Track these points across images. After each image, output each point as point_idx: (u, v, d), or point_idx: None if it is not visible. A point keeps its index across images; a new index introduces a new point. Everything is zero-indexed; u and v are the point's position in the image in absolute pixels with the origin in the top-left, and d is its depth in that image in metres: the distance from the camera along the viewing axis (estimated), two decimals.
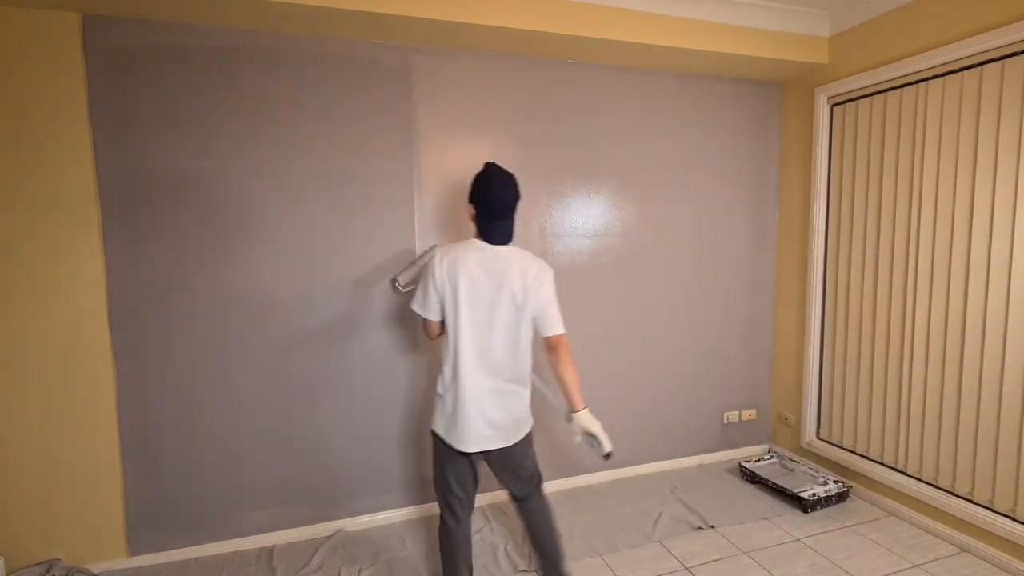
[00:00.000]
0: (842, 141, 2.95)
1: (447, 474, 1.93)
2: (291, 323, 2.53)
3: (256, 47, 2.39)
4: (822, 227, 3.09)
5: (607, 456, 1.97)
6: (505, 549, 2.47)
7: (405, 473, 2.76)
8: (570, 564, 2.36)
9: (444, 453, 1.91)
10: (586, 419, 1.95)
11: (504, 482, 2.00)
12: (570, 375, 1.92)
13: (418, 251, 2.66)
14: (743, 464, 3.16)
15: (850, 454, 2.97)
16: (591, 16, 2.52)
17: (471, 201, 1.88)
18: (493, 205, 1.83)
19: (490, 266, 1.83)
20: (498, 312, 1.83)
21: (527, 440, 1.98)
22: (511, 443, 1.90)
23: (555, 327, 1.89)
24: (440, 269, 1.84)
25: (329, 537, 2.58)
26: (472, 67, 2.69)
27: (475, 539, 2.55)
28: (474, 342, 1.84)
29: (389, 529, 2.65)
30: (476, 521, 2.70)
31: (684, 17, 2.68)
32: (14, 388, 2.21)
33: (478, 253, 1.84)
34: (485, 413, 1.85)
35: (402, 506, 2.77)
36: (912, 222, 2.60)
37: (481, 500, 2.88)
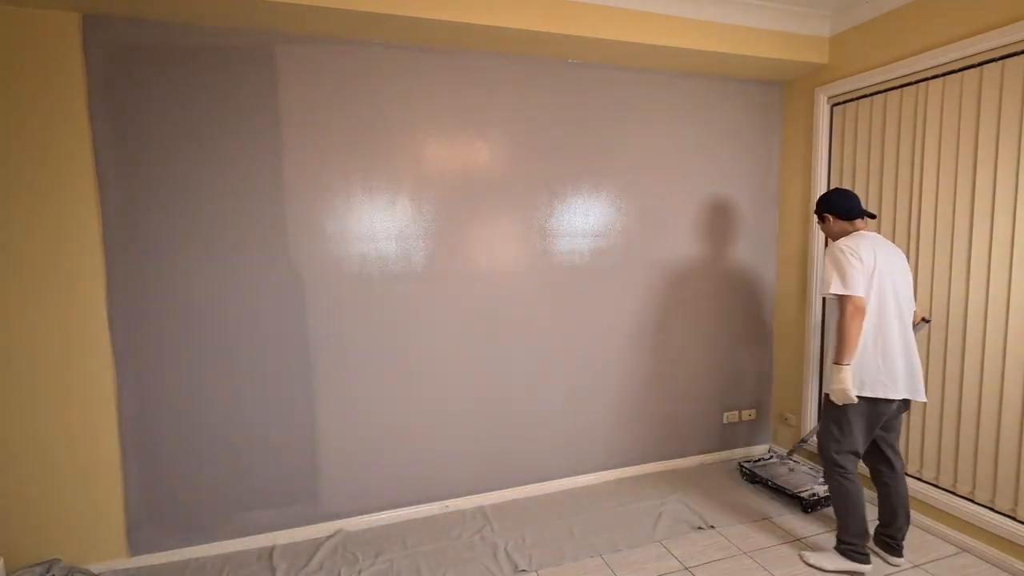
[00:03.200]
0: (842, 141, 2.95)
1: None
2: (290, 320, 2.52)
3: (257, 47, 2.38)
4: None
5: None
6: (505, 549, 2.47)
7: (405, 472, 2.77)
8: (570, 564, 2.37)
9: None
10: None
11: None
12: None
13: None
14: (743, 464, 3.15)
15: None
16: (591, 16, 2.52)
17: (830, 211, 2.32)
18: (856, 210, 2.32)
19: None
20: None
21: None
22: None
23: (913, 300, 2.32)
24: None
25: (329, 537, 2.58)
26: (471, 67, 2.69)
27: (475, 539, 2.55)
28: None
29: (389, 529, 2.65)
30: (476, 520, 2.71)
31: (684, 17, 2.68)
32: (14, 388, 2.21)
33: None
34: None
35: (401, 506, 2.77)
36: (912, 222, 2.60)
37: (480, 500, 2.89)
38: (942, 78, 2.44)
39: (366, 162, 2.57)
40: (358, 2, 2.19)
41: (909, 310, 2.22)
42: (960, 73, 2.37)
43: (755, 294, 3.40)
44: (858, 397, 2.15)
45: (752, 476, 3.07)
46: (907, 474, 2.68)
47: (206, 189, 2.37)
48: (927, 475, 2.60)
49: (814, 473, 3.03)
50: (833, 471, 2.26)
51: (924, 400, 2.23)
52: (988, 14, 2.26)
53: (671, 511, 2.78)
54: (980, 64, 2.30)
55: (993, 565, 2.32)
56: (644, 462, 3.24)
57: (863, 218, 2.29)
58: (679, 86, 3.08)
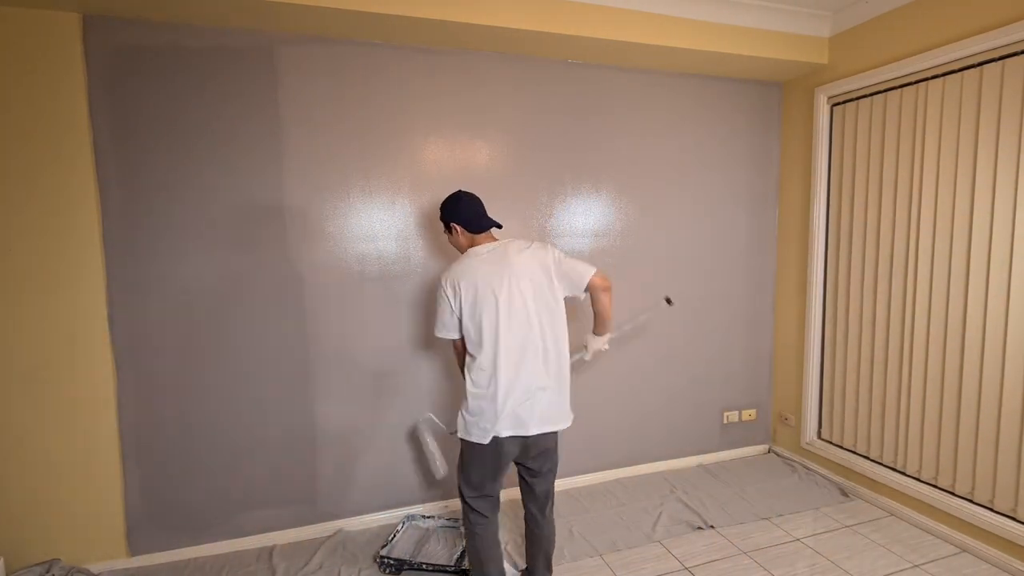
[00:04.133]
0: (842, 141, 2.95)
1: None
2: (289, 322, 2.53)
3: (257, 48, 2.38)
4: (822, 227, 3.09)
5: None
6: (505, 549, 2.46)
7: (405, 472, 2.77)
8: (570, 564, 2.37)
9: None
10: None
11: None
12: None
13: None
14: (384, 557, 2.31)
15: (850, 454, 2.97)
16: (591, 16, 2.52)
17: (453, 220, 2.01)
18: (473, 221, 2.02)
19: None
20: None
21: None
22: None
23: (586, 273, 2.04)
24: None
25: (329, 537, 2.58)
26: (471, 67, 2.69)
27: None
28: None
29: (389, 529, 2.65)
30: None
31: (684, 17, 2.68)
32: (14, 388, 2.21)
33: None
34: None
35: (400, 506, 2.77)
36: (912, 222, 2.60)
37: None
38: (942, 78, 2.44)
39: (366, 162, 2.57)
40: (358, 2, 2.19)
41: (549, 326, 1.92)
42: (960, 73, 2.37)
43: (755, 294, 3.40)
44: (461, 439, 1.94)
45: (398, 566, 2.31)
46: (907, 474, 2.69)
47: (207, 189, 2.37)
48: (927, 475, 2.60)
49: (453, 523, 2.62)
50: (464, 516, 2.01)
51: (558, 429, 1.99)
52: (988, 14, 2.26)
53: (671, 511, 2.78)
54: (980, 64, 2.30)
55: (993, 565, 2.32)
56: (644, 462, 3.24)
57: (489, 230, 2.02)
58: (679, 86, 3.08)
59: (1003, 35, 2.19)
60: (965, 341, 2.41)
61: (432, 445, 2.42)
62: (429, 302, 2.72)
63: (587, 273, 1.96)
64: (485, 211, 2.02)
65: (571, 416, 2.02)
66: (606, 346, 2.24)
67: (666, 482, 3.11)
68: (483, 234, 2.01)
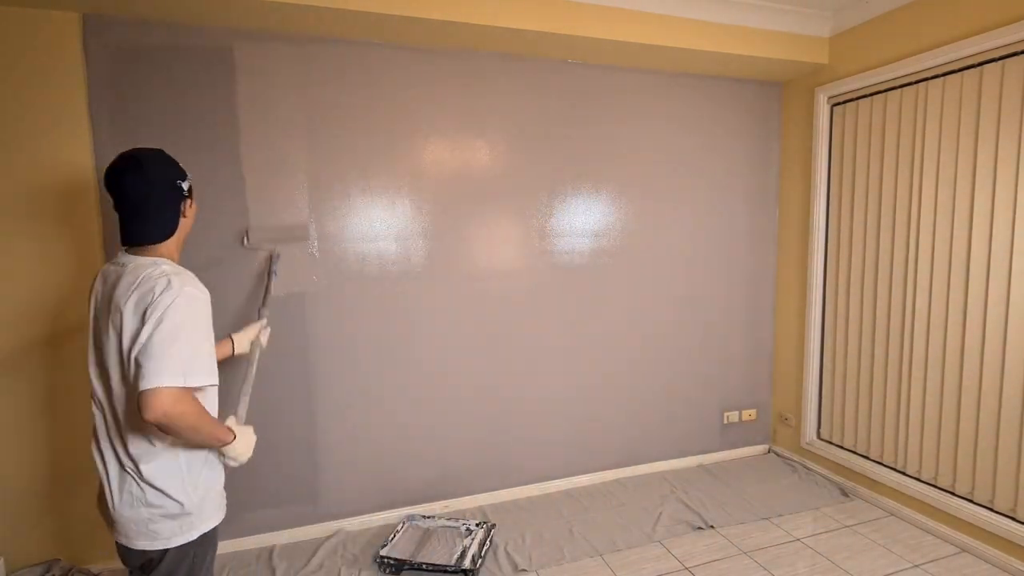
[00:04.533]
0: (842, 141, 2.96)
1: None
2: (290, 321, 2.52)
3: (257, 48, 2.38)
4: (822, 227, 3.09)
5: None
6: (505, 549, 2.47)
7: (405, 472, 2.77)
8: (570, 564, 2.37)
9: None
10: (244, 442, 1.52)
11: None
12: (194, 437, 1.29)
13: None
14: (384, 557, 2.32)
15: (850, 454, 2.97)
16: (591, 16, 2.52)
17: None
18: (111, 194, 1.34)
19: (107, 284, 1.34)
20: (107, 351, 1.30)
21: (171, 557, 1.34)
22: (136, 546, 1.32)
23: (154, 376, 1.18)
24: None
25: (329, 537, 2.58)
26: (471, 67, 2.69)
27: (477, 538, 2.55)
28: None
29: (389, 529, 2.65)
30: (476, 519, 2.70)
31: (684, 17, 2.68)
32: (14, 388, 2.21)
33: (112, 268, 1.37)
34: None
35: (400, 506, 2.77)
36: (912, 222, 2.60)
37: (481, 500, 2.89)
38: (942, 78, 2.44)
39: (366, 162, 2.57)
40: (358, 2, 2.19)
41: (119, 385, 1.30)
42: (960, 73, 2.37)
43: (755, 294, 3.40)
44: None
45: (398, 566, 2.31)
46: (907, 474, 2.69)
47: (207, 189, 2.37)
48: (927, 475, 2.60)
49: (454, 523, 2.60)
50: None
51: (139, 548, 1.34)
52: (988, 14, 2.26)
53: (671, 511, 2.78)
54: (980, 64, 2.30)
55: (993, 565, 2.32)
56: (644, 462, 3.24)
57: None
58: (679, 86, 3.08)
59: (1003, 35, 2.19)
60: (965, 341, 2.41)
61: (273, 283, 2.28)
62: (432, 305, 2.72)
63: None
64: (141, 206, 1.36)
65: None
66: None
67: (666, 482, 3.11)
68: None
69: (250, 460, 2.54)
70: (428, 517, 2.64)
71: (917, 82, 2.54)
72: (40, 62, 2.14)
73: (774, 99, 3.31)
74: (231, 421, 1.55)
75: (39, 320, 2.22)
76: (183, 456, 1.36)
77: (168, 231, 1.39)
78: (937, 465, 2.55)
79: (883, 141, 2.72)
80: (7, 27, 2.10)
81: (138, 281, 1.26)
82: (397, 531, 2.51)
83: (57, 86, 2.17)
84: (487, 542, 2.45)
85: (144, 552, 1.34)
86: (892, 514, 2.73)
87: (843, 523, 2.67)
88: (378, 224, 2.62)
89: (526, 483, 2.99)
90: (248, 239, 2.39)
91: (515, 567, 2.34)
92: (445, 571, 2.27)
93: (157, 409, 1.17)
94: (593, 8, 2.52)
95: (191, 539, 1.37)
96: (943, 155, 2.46)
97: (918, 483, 2.63)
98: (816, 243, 3.11)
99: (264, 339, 2.10)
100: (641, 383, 3.18)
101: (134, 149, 1.37)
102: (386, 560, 2.30)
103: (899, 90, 2.63)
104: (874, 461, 2.86)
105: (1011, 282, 2.25)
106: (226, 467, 1.52)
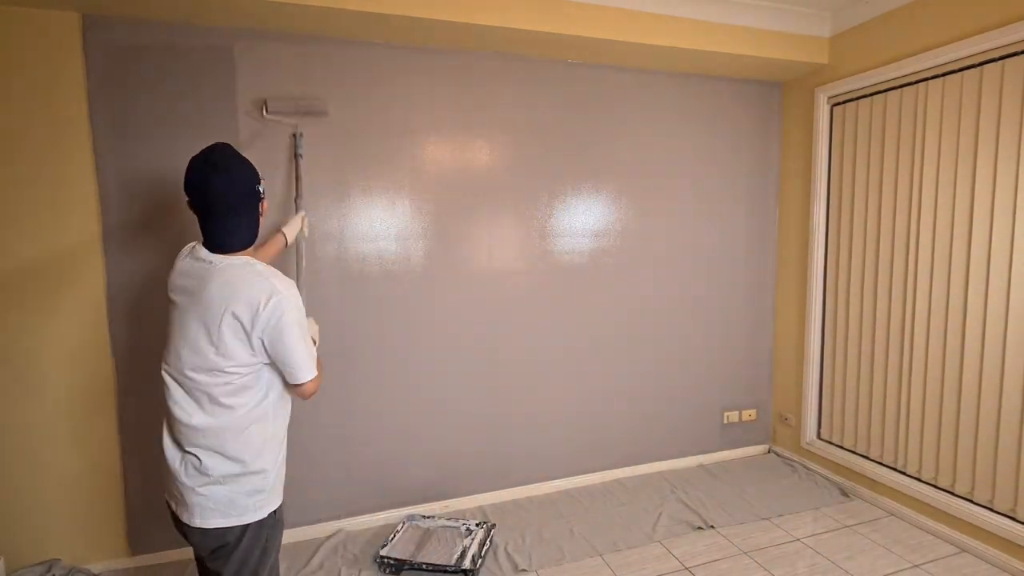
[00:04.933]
0: (842, 141, 2.96)
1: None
2: None
3: (256, 48, 2.38)
4: (822, 227, 3.09)
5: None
6: (505, 549, 2.47)
7: (405, 472, 2.77)
8: (570, 564, 2.37)
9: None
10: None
11: None
12: None
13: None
14: (384, 557, 2.31)
15: (850, 454, 2.98)
16: (591, 16, 2.52)
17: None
18: (193, 196, 1.37)
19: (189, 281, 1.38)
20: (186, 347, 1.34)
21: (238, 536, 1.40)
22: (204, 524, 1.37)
23: (298, 374, 1.38)
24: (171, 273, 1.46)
25: (329, 537, 2.58)
26: (471, 67, 2.69)
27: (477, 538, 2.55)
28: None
29: (389, 529, 2.65)
30: (476, 519, 2.70)
31: (684, 17, 2.68)
32: (14, 388, 2.21)
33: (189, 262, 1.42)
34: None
35: (400, 506, 2.77)
36: (912, 222, 2.61)
37: (481, 500, 2.89)
38: (942, 78, 2.44)
39: (366, 162, 2.57)
40: (358, 2, 2.19)
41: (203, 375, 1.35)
42: (960, 73, 2.37)
43: (755, 294, 3.40)
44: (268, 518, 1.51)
45: (398, 566, 2.30)
46: (907, 474, 2.69)
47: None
48: (927, 475, 2.60)
49: (454, 523, 2.59)
50: None
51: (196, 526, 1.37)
52: (988, 14, 2.26)
53: (671, 511, 2.78)
54: (980, 64, 2.30)
55: (993, 565, 2.32)
56: (644, 462, 3.24)
57: None
58: (679, 86, 3.08)
59: (1003, 35, 2.19)
60: (965, 341, 2.41)
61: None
62: (432, 305, 2.72)
63: None
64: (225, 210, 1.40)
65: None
66: None
67: (666, 482, 3.11)
68: None
69: None
70: (428, 517, 2.64)
71: (917, 82, 2.54)
72: (40, 62, 2.14)
73: (774, 99, 3.31)
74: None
75: (41, 320, 2.22)
76: (255, 429, 1.40)
77: (249, 239, 1.43)
78: (937, 465, 2.55)
79: (883, 141, 2.72)
80: (7, 27, 2.10)
81: (238, 281, 1.32)
82: (397, 531, 2.51)
83: (57, 86, 2.16)
84: (487, 542, 2.45)
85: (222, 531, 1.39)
86: (892, 514, 2.73)
87: (843, 523, 2.67)
88: (378, 224, 2.62)
89: (526, 483, 2.99)
90: (267, 109, 2.31)
91: (515, 567, 2.34)
92: (445, 571, 2.27)
93: (307, 395, 1.45)
94: (593, 8, 2.52)
95: (263, 517, 1.44)
96: (943, 155, 2.46)
97: (918, 483, 2.63)
98: (816, 243, 3.11)
99: (306, 229, 2.20)
100: (641, 383, 3.18)
101: (216, 145, 1.40)
102: (386, 560, 2.30)
103: (899, 90, 2.63)
104: (874, 461, 2.86)
105: (1011, 282, 2.25)
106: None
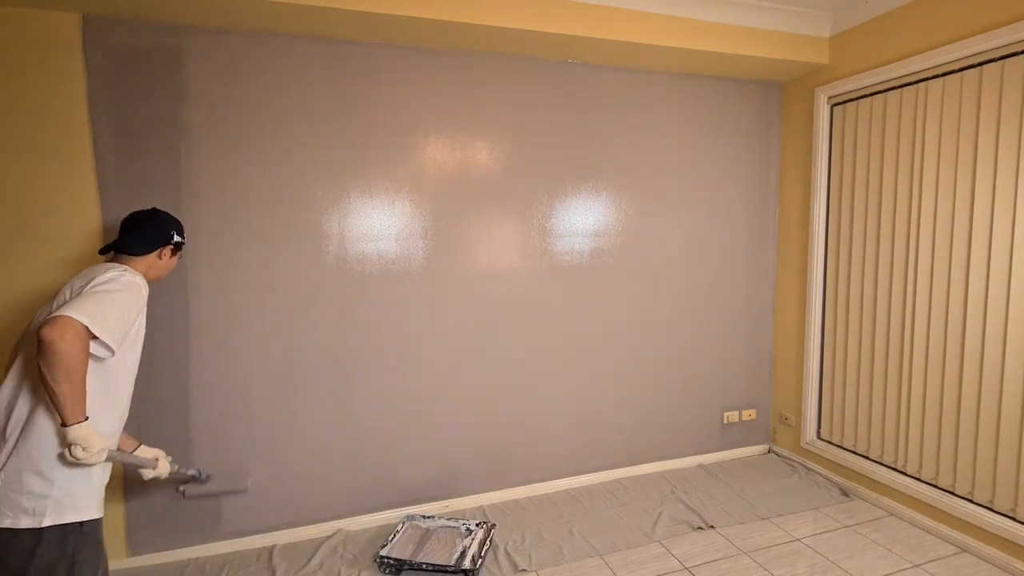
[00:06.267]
0: (842, 141, 2.96)
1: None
2: (289, 323, 2.52)
3: (255, 46, 2.38)
4: (822, 227, 3.09)
5: (197, 478, 2.03)
6: (505, 549, 2.47)
7: (404, 472, 2.77)
8: (570, 564, 2.37)
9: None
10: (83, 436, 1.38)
11: None
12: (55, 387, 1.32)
13: None
14: (384, 557, 2.31)
15: (850, 454, 2.98)
16: (591, 16, 2.52)
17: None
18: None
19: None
20: None
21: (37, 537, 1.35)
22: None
23: (67, 308, 1.33)
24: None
25: (329, 537, 2.58)
26: (471, 67, 2.69)
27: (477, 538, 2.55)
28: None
29: (389, 529, 2.65)
30: (476, 519, 2.71)
31: (684, 17, 2.68)
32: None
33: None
34: None
35: (400, 506, 2.77)
36: (912, 222, 2.60)
37: (480, 500, 2.89)
38: (942, 78, 2.44)
39: (365, 162, 2.57)
40: (358, 2, 2.19)
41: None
42: (960, 73, 2.37)
43: (755, 294, 3.40)
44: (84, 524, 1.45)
45: (398, 566, 2.30)
46: (907, 474, 2.69)
47: (207, 190, 2.37)
48: (927, 475, 2.60)
49: (454, 523, 2.58)
50: None
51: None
52: (988, 14, 2.26)
53: (671, 511, 2.78)
54: (980, 64, 2.30)
55: (993, 565, 2.32)
56: (644, 462, 3.24)
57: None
58: (679, 86, 3.08)
59: (1003, 35, 2.19)
60: (965, 341, 2.41)
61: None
62: (432, 305, 2.72)
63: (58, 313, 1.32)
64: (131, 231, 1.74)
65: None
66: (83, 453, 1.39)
67: (666, 482, 3.11)
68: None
69: (250, 460, 2.55)
70: (428, 517, 2.64)
71: (917, 82, 2.54)
72: (40, 62, 2.14)
73: (774, 99, 3.31)
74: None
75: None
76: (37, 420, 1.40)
77: (141, 250, 1.69)
78: (937, 465, 2.55)
79: (883, 141, 2.72)
80: (7, 27, 2.10)
81: (94, 270, 1.51)
82: (397, 531, 2.51)
83: (57, 86, 2.17)
84: (487, 542, 2.45)
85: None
86: (892, 514, 2.73)
87: (843, 523, 2.67)
88: (378, 224, 2.62)
89: (526, 483, 2.99)
90: (185, 495, 2.20)
91: (515, 567, 2.34)
92: (445, 571, 2.27)
93: (55, 329, 1.27)
94: (594, 8, 2.52)
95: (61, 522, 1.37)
96: (943, 155, 2.46)
97: (918, 483, 2.63)
98: (816, 243, 3.11)
99: (161, 470, 1.95)
100: (641, 383, 3.18)
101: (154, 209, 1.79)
102: (386, 560, 2.30)
103: (899, 90, 2.63)
104: (874, 461, 2.86)
105: (1011, 282, 2.25)
106: (64, 461, 1.39)
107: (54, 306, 1.43)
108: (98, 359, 1.43)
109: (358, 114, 2.54)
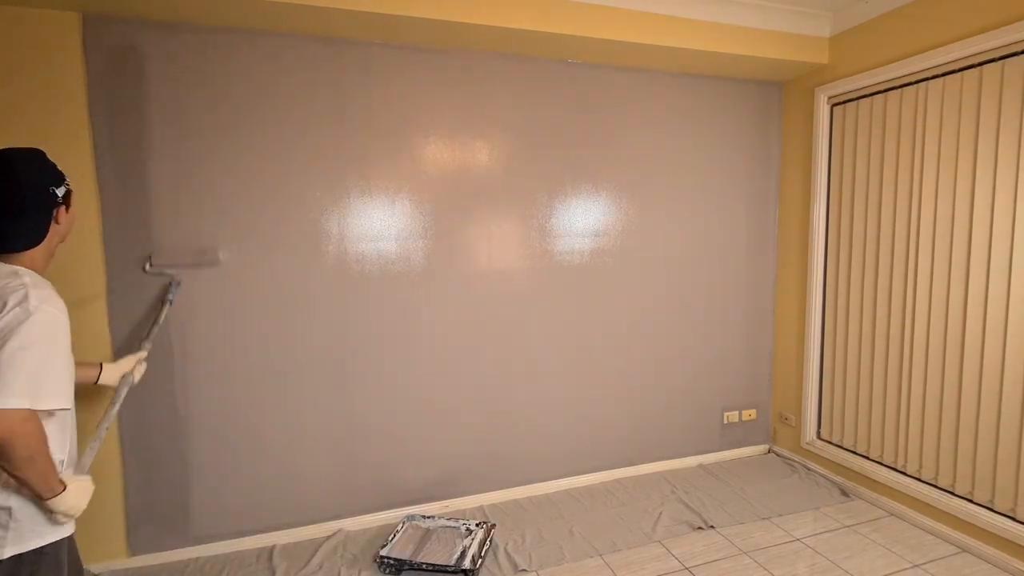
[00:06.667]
0: (842, 141, 2.96)
1: None
2: (289, 323, 2.52)
3: (254, 46, 2.38)
4: (822, 227, 3.09)
5: None
6: (505, 549, 2.47)
7: (404, 472, 2.77)
8: (570, 564, 2.37)
9: None
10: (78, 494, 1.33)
11: None
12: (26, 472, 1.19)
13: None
14: (384, 557, 2.31)
15: (850, 454, 2.98)
16: (591, 16, 2.52)
17: None
18: None
19: None
20: None
21: None
22: None
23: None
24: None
25: (329, 537, 2.58)
26: (471, 67, 2.69)
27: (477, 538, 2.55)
28: None
29: (389, 529, 2.65)
30: (476, 519, 2.70)
31: (684, 17, 2.68)
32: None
33: None
34: None
35: (401, 506, 2.77)
36: (912, 222, 2.60)
37: (480, 500, 2.89)
38: (942, 78, 2.44)
39: (365, 162, 2.57)
40: (358, 2, 2.19)
41: None
42: (960, 73, 2.37)
43: (755, 294, 3.40)
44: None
45: (398, 566, 2.31)
46: (907, 474, 2.69)
47: (207, 190, 2.37)
48: (927, 475, 2.60)
49: (454, 523, 2.58)
50: None
51: None
52: (988, 14, 2.26)
53: (671, 511, 2.78)
54: (980, 64, 2.30)
55: (993, 565, 2.32)
56: (644, 462, 3.24)
57: None
58: (679, 86, 3.08)
59: (1003, 35, 2.19)
60: (965, 341, 2.41)
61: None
62: (432, 305, 2.72)
63: None
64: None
65: None
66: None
67: (666, 482, 3.11)
68: None
69: (249, 460, 2.55)
70: (428, 517, 2.64)
71: (917, 82, 2.54)
72: (40, 62, 2.14)
73: (774, 99, 3.31)
74: (67, 474, 1.35)
75: None
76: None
77: (34, 239, 1.31)
78: (937, 465, 2.55)
79: (883, 141, 2.72)
80: (7, 27, 2.10)
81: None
82: (397, 531, 2.51)
83: (56, 86, 2.16)
84: (487, 542, 2.45)
85: None
86: (892, 514, 2.73)
87: (843, 523, 2.67)
88: (377, 224, 2.62)
89: (526, 483, 2.99)
90: (151, 264, 2.07)
91: (515, 567, 2.34)
92: (445, 571, 2.27)
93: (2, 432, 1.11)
94: (593, 8, 2.52)
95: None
96: (943, 155, 2.46)
97: (918, 483, 2.63)
98: (816, 243, 3.11)
99: (138, 374, 1.89)
100: (641, 383, 3.18)
101: (5, 149, 1.30)
102: (386, 560, 2.30)
103: (899, 90, 2.63)
104: (874, 461, 2.86)
105: (1011, 282, 2.25)
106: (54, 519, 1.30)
107: None
108: (49, 413, 1.28)
109: (358, 114, 2.54)
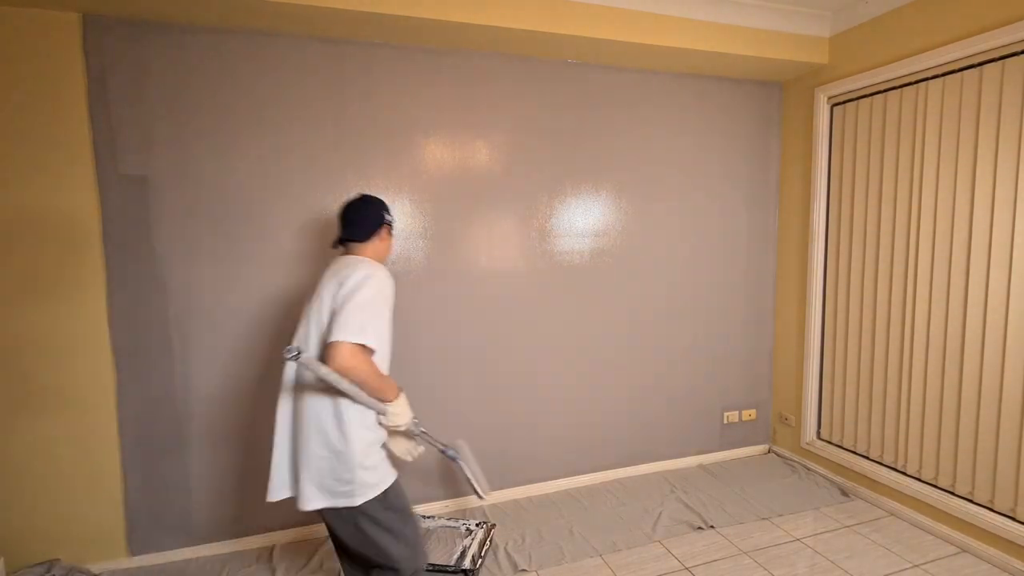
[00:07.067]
0: (842, 141, 2.96)
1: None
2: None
3: (254, 46, 2.38)
4: (822, 227, 3.09)
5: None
6: (505, 549, 2.47)
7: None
8: (570, 564, 2.37)
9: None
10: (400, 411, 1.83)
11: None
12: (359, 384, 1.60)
13: None
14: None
15: (850, 454, 2.98)
16: (591, 16, 2.52)
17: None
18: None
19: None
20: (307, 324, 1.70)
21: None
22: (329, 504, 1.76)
23: (339, 332, 1.53)
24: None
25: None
26: (471, 67, 2.69)
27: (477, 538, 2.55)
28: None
29: None
30: (476, 518, 2.71)
31: (684, 17, 2.68)
32: (14, 389, 2.21)
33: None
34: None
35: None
36: (912, 222, 2.61)
37: (481, 500, 2.88)
38: (942, 78, 2.44)
39: (365, 162, 2.57)
40: (358, 2, 2.19)
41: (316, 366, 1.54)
42: (960, 73, 2.37)
43: (755, 294, 3.40)
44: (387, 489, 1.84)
45: None
46: (907, 474, 2.69)
47: (207, 189, 2.37)
48: (927, 475, 2.60)
49: (454, 523, 2.59)
50: None
51: (305, 508, 1.79)
52: (988, 14, 2.26)
53: (671, 511, 2.78)
54: (980, 64, 2.30)
55: (993, 565, 2.32)
56: (644, 462, 3.24)
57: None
58: (679, 86, 3.08)
59: (1003, 35, 2.19)
60: (965, 341, 2.41)
61: (473, 467, 2.24)
62: (432, 306, 2.72)
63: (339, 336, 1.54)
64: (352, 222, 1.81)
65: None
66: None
67: (666, 482, 3.11)
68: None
69: (249, 460, 2.55)
70: (428, 517, 2.64)
71: (917, 82, 2.54)
72: (40, 62, 2.14)
73: (774, 99, 3.31)
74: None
75: (41, 320, 2.22)
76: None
77: (366, 235, 1.77)
78: (937, 465, 2.55)
79: (883, 141, 2.72)
80: (7, 27, 2.10)
81: (343, 266, 1.67)
82: None
83: (57, 86, 2.17)
84: (487, 542, 2.45)
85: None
86: (892, 514, 2.73)
87: (843, 523, 2.67)
88: None
89: (526, 483, 2.99)
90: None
91: (515, 567, 2.34)
92: (445, 571, 2.27)
93: (342, 359, 1.51)
94: (594, 8, 2.52)
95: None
96: (943, 155, 2.46)
97: (918, 483, 2.63)
98: (816, 243, 3.11)
99: (412, 453, 2.12)
100: (641, 383, 3.18)
101: (368, 194, 1.87)
102: None
103: (899, 90, 2.63)
104: (874, 461, 2.86)
105: (1011, 282, 2.25)
106: (385, 426, 1.81)
107: (324, 312, 1.63)
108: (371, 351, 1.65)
109: (358, 114, 2.54)
